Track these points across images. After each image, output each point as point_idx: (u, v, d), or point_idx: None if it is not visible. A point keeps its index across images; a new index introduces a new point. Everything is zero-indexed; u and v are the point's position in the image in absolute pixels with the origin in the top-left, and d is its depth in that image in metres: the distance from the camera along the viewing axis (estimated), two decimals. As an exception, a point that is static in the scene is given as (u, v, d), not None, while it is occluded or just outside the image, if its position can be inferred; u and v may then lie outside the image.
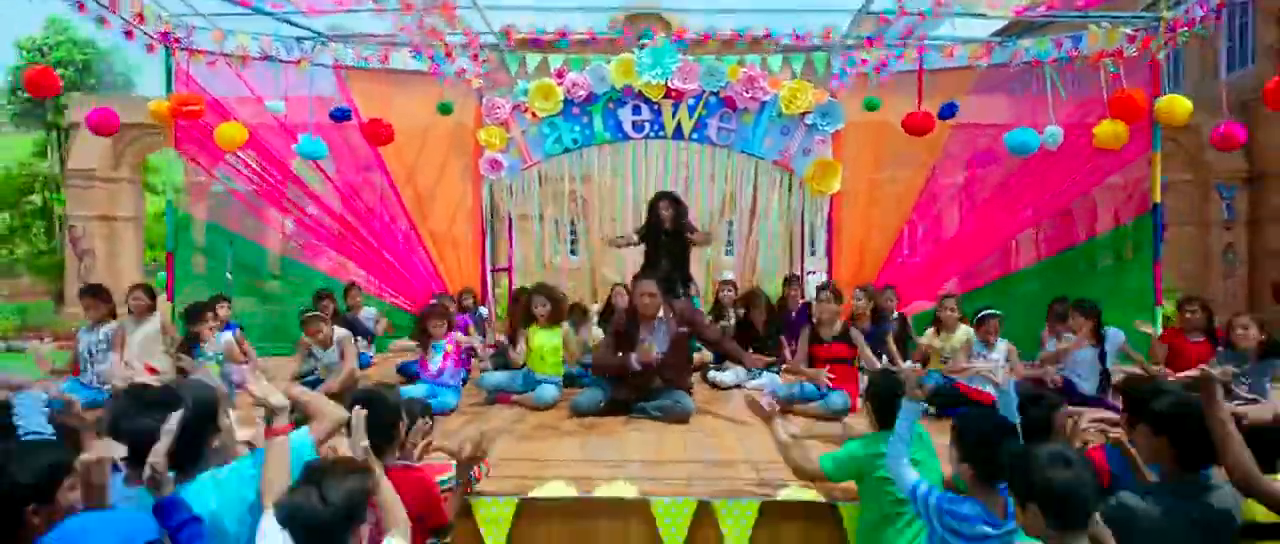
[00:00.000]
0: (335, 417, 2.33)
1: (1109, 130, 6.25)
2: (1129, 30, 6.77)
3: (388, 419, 2.54)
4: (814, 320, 5.41)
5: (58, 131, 29.30)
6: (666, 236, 6.53)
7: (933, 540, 2.55)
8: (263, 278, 8.42)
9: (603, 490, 3.38)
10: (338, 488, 1.87)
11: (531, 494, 3.33)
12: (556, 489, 3.37)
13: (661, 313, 5.16)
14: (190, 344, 5.45)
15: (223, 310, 6.31)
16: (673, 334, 5.13)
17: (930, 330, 5.89)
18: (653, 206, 6.64)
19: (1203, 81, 16.25)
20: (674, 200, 6.62)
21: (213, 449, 2.17)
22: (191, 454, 2.06)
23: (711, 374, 6.18)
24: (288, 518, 1.84)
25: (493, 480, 3.44)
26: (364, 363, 6.85)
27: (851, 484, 3.17)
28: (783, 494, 3.34)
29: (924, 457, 2.99)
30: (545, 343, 5.57)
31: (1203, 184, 15.96)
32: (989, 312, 5.45)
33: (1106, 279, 7.54)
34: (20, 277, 21.83)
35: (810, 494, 3.33)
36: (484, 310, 7.99)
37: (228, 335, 5.75)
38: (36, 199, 28.22)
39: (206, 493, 2.05)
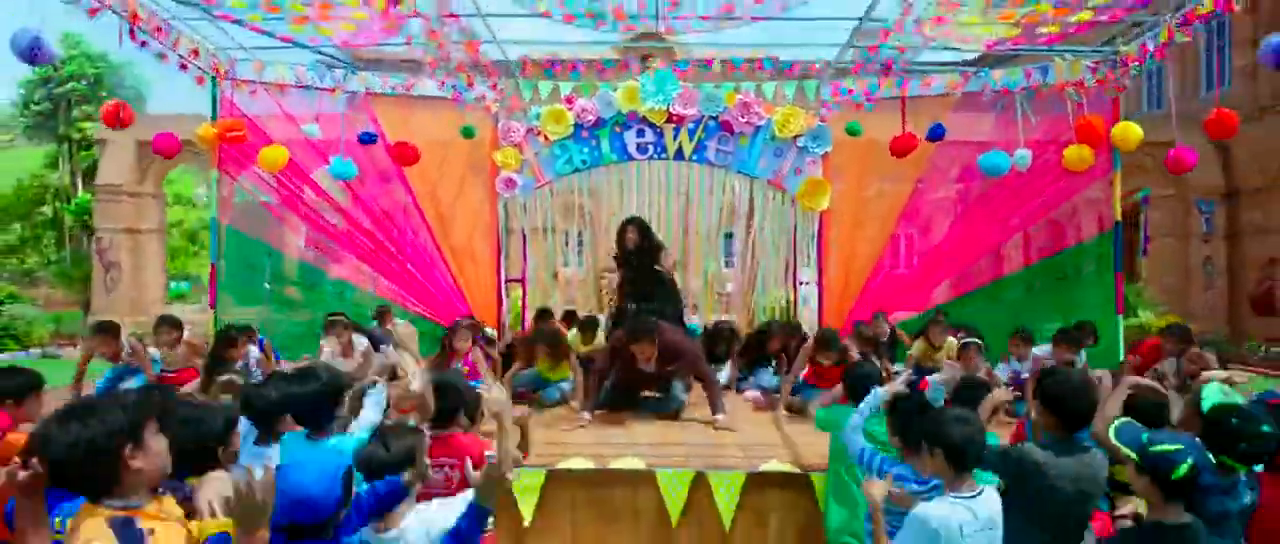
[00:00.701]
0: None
1: (1076, 154, 6.94)
2: (1089, 63, 7.44)
3: (457, 398, 3.21)
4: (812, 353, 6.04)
5: (70, 144, 29.99)
6: (635, 257, 7.04)
7: None
8: (286, 284, 8.90)
9: (616, 464, 4.07)
10: (397, 443, 2.55)
11: (558, 466, 4.00)
12: (578, 462, 4.05)
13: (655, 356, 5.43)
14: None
15: (244, 346, 6.39)
16: (660, 371, 5.48)
17: (920, 343, 6.63)
18: (620, 231, 7.18)
19: (1183, 100, 16.94)
20: (640, 226, 7.12)
21: (338, 418, 2.83)
22: (323, 419, 2.73)
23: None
24: (361, 462, 2.51)
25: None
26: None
27: (820, 458, 3.82)
28: (764, 467, 4.04)
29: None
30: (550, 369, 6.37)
31: (1184, 199, 16.58)
32: (969, 340, 6.00)
33: (1086, 286, 8.01)
34: (39, 285, 22.45)
35: (787, 466, 4.02)
36: (490, 331, 8.41)
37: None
38: (47, 210, 28.87)
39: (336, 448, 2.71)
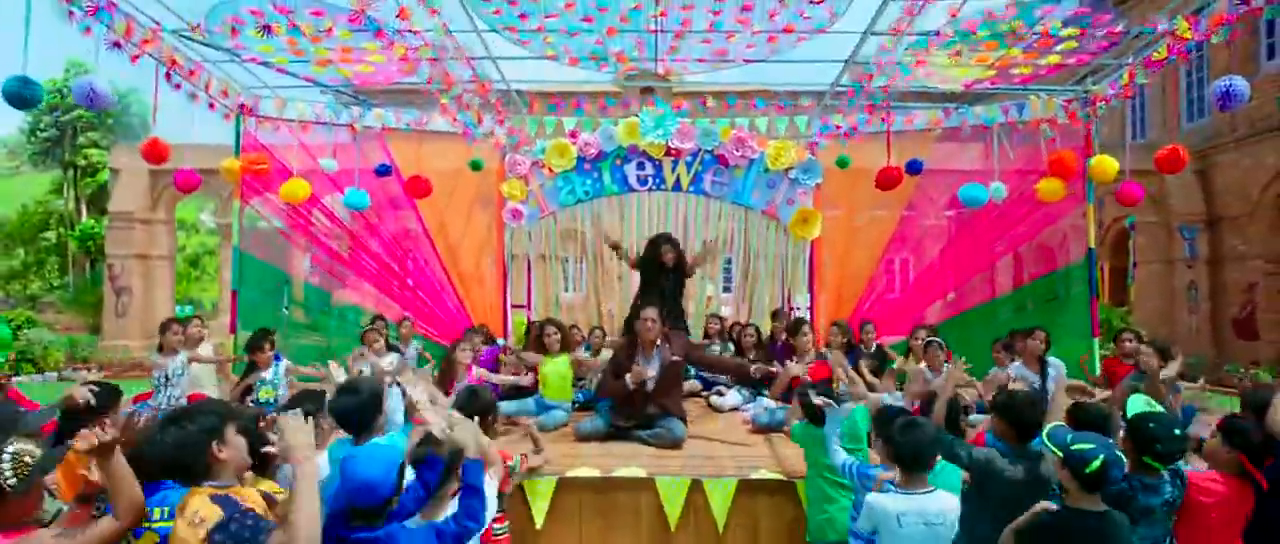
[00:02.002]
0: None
1: (1048, 187, 7.40)
2: (1062, 100, 7.91)
3: (482, 407, 3.62)
4: (794, 352, 6.46)
5: (75, 171, 30.49)
6: (664, 275, 7.30)
7: (856, 500, 3.59)
8: (295, 307, 9.24)
9: (620, 472, 4.49)
10: (443, 447, 2.97)
11: (567, 474, 4.42)
12: (586, 471, 4.47)
13: (659, 342, 5.58)
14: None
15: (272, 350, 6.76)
16: (666, 362, 5.50)
17: (903, 358, 7.05)
18: (655, 246, 7.36)
19: (1166, 130, 17.48)
20: (675, 245, 7.41)
21: (377, 424, 3.24)
22: (364, 425, 3.14)
23: (713, 399, 7.03)
24: (413, 460, 2.93)
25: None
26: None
27: (804, 466, 4.23)
28: (754, 475, 4.46)
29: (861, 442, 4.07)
30: (554, 371, 6.26)
31: (1167, 225, 17.02)
32: (931, 340, 6.44)
33: (1071, 307, 8.31)
34: (44, 310, 22.78)
35: (775, 474, 4.44)
36: (502, 341, 8.87)
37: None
38: (51, 236, 29.28)
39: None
